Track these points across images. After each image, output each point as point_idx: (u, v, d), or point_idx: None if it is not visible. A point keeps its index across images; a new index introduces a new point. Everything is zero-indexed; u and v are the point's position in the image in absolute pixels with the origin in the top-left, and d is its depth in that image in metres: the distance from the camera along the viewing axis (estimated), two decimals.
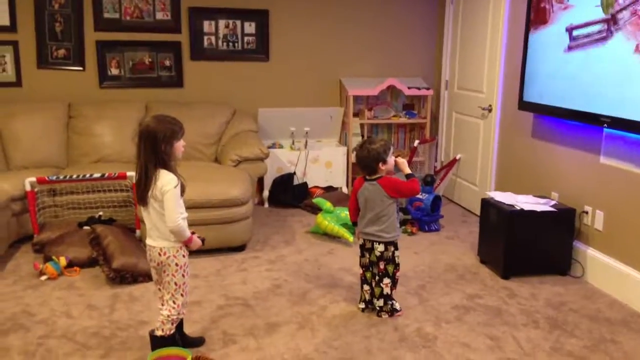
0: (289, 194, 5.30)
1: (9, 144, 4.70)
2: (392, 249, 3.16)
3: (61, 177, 4.21)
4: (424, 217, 4.65)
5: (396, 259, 3.18)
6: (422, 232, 4.65)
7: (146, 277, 3.61)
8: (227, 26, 5.40)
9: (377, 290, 3.20)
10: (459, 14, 5.39)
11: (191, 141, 4.96)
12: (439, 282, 3.69)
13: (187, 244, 2.64)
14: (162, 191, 2.51)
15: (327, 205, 4.54)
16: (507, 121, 4.63)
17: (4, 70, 5.02)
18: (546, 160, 4.12)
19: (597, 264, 3.61)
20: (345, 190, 5.52)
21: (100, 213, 4.24)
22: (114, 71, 5.26)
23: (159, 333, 2.66)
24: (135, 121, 4.95)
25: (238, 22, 5.41)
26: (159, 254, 2.61)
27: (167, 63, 5.34)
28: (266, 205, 5.34)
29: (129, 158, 4.84)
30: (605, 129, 3.46)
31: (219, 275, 3.75)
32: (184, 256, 2.66)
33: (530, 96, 4.06)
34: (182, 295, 2.68)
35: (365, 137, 5.54)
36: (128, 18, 5.19)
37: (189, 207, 3.82)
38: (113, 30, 5.17)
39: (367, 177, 3.14)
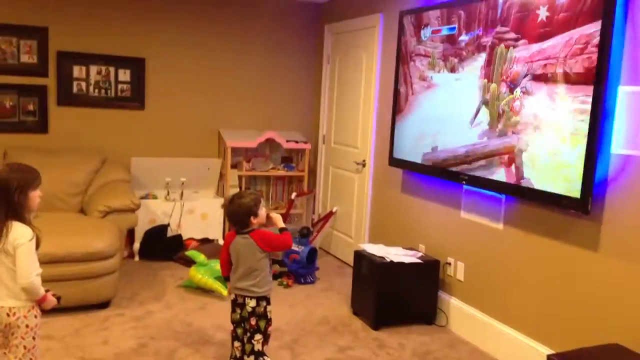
0: (162, 246, 5.09)
1: None
2: (264, 303, 3.10)
3: None
4: (300, 270, 4.66)
5: (268, 314, 3.12)
6: (298, 284, 4.63)
7: None
8: (99, 72, 5.22)
9: (247, 347, 3.10)
10: (335, 71, 5.61)
11: (54, 190, 4.68)
12: (312, 336, 3.66)
13: (40, 303, 2.43)
14: (15, 245, 2.31)
15: (201, 257, 4.41)
16: (380, 176, 4.82)
17: None
18: (414, 214, 4.32)
19: (460, 313, 3.79)
20: (221, 242, 5.41)
21: None
22: None
23: None
24: None
25: (112, 69, 5.25)
26: (7, 315, 2.37)
27: (31, 107, 5.03)
28: (136, 258, 5.08)
29: None
30: (464, 186, 3.70)
31: (77, 336, 3.47)
32: (35, 316, 2.43)
33: (400, 153, 4.27)
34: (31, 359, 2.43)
35: (243, 189, 5.51)
36: None
37: (46, 262, 3.61)
38: None
39: (239, 231, 3.09)
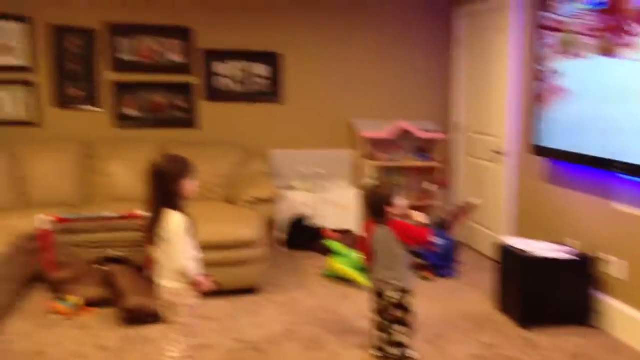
0: (303, 236, 5.27)
1: (29, 183, 4.72)
2: (405, 295, 3.10)
3: (77, 216, 4.21)
4: (439, 263, 4.59)
5: (409, 305, 3.12)
6: (438, 277, 4.57)
7: (159, 317, 3.56)
8: (240, 68, 5.47)
9: (389, 338, 3.12)
10: (467, 56, 5.44)
11: (203, 181, 4.89)
12: (455, 331, 3.60)
13: (197, 285, 2.61)
14: (170, 231, 2.50)
15: (340, 248, 4.50)
16: (523, 165, 4.61)
17: (25, 110, 5.08)
18: (560, 205, 4.08)
19: (621, 315, 3.52)
20: (358, 232, 5.47)
21: (118, 253, 4.21)
22: (131, 112, 5.31)
23: None
24: (146, 162, 4.98)
25: (251, 65, 5.48)
26: (169, 294, 2.58)
27: (181, 104, 5.40)
28: (279, 247, 5.29)
29: (143, 197, 4.83)
30: (620, 175, 3.42)
31: (232, 318, 3.69)
32: (193, 297, 2.62)
33: (545, 141, 4.05)
34: (187, 336, 2.63)
35: (377, 180, 5.53)
36: (143, 60, 5.27)
37: (202, 248, 3.88)
38: (129, 71, 5.25)
39: (376, 220, 3.11)
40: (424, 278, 4.50)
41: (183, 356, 2.63)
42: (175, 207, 2.54)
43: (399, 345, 3.11)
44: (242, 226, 4.09)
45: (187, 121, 5.42)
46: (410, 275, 3.13)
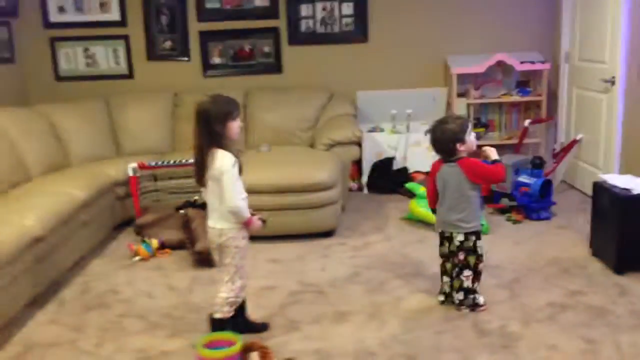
0: (388, 179, 5.09)
1: (120, 133, 4.98)
2: (473, 238, 2.86)
3: (159, 162, 4.38)
4: (531, 204, 4.20)
5: (478, 249, 2.88)
6: (529, 220, 4.20)
7: None
8: (324, 9, 5.28)
9: (456, 283, 2.92)
10: None
11: (288, 126, 4.97)
12: (537, 276, 3.29)
13: (247, 225, 2.58)
14: (220, 171, 2.47)
15: (421, 190, 4.27)
16: (635, 95, 4.03)
17: (117, 63, 5.34)
18: None
19: None
20: None
21: (196, 197, 4.34)
22: (217, 60, 5.37)
23: (217, 315, 2.63)
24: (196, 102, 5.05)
25: (335, 4, 5.27)
26: (219, 236, 2.57)
27: (266, 49, 5.35)
28: (365, 191, 5.16)
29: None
30: None
31: (299, 261, 3.67)
32: (243, 238, 2.60)
33: None
34: (240, 278, 2.63)
35: (472, 118, 5.15)
36: (228, 7, 5.27)
37: (272, 192, 3.88)
38: (215, 20, 5.28)
39: (445, 159, 2.87)
40: (513, 221, 4.15)
41: (235, 298, 2.63)
42: (221, 147, 2.50)
43: (466, 290, 2.90)
44: (315, 169, 4.01)
45: (272, 66, 5.38)
46: (478, 217, 2.87)
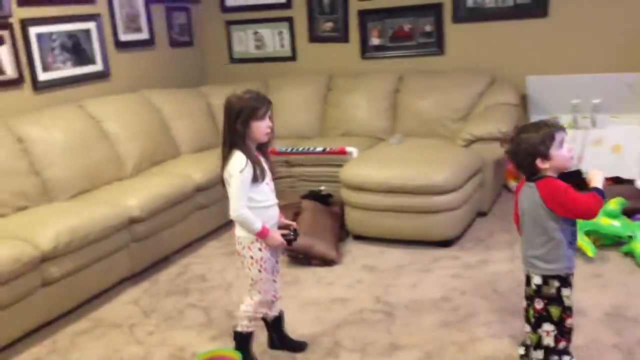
0: None
1: (274, 114, 5.03)
2: (556, 284, 2.20)
3: (290, 149, 4.33)
4: None
5: (565, 299, 2.20)
6: None
7: (321, 261, 3.44)
8: None
9: (534, 337, 2.28)
10: None
11: (437, 115, 4.50)
12: None
13: (260, 237, 2.35)
14: (229, 174, 2.29)
15: None
16: None
17: (282, 45, 5.40)
18: None
19: None
20: (639, 183, 4.12)
21: (322, 187, 4.20)
22: (375, 41, 5.07)
23: (237, 329, 2.48)
24: (387, 94, 4.73)
25: None
26: (236, 243, 2.42)
27: (427, 28, 4.86)
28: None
29: (373, 132, 4.66)
30: None
31: (394, 272, 3.29)
32: (260, 250, 2.38)
33: None
34: (259, 292, 2.42)
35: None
36: None
37: (383, 191, 3.52)
38: None
39: (528, 178, 2.24)
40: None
41: (254, 313, 2.44)
42: (241, 148, 2.31)
43: (546, 349, 2.26)
44: (438, 169, 3.52)
45: (432, 47, 4.88)
46: (565, 258, 2.19)
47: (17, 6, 3.78)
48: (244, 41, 5.54)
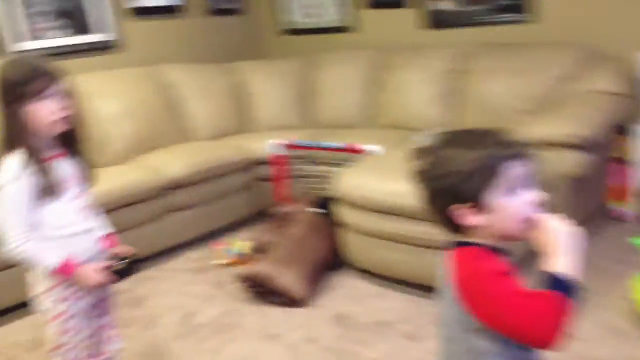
0: None
1: (314, 98, 4.16)
2: None
3: (309, 143, 3.45)
4: None
5: None
6: None
7: (283, 297, 2.56)
8: None
9: None
10: None
11: (506, 104, 3.30)
12: None
13: (62, 275, 1.56)
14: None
15: None
16: None
17: (339, 13, 4.44)
18: None
19: None
20: None
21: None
22: (446, 5, 3.92)
23: None
24: (446, 74, 3.62)
25: None
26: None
27: None
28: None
29: (424, 123, 3.58)
30: None
31: (371, 333, 2.32)
32: (59, 301, 1.59)
33: None
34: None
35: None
36: None
37: (385, 212, 2.52)
38: None
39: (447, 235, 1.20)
40: None
41: None
42: (17, 144, 1.52)
43: None
44: None
45: (518, 11, 3.62)
46: None
47: None
48: (297, 10, 4.67)
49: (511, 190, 1.07)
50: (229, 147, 3.61)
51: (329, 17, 4.47)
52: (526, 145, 1.14)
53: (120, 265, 1.62)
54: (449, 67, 3.64)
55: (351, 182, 2.72)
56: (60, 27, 3.65)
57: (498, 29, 3.69)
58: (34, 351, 2.30)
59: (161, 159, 3.33)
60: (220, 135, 3.91)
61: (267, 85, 4.21)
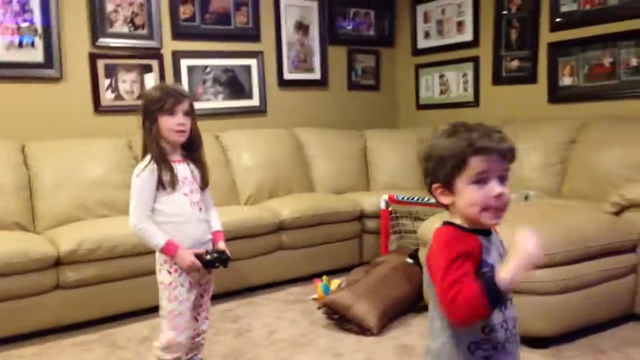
0: None
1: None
2: None
3: (408, 197, 3.67)
4: None
5: None
6: None
7: (357, 327, 2.74)
8: None
9: None
10: None
11: (613, 174, 3.25)
12: None
13: (165, 255, 1.98)
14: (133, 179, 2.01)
15: None
16: None
17: (465, 89, 4.71)
18: None
19: None
20: None
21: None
22: (567, 80, 4.00)
23: None
24: (560, 145, 3.68)
25: None
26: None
27: (635, 62, 3.61)
28: None
29: (536, 188, 3.62)
30: None
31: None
32: (169, 272, 1.99)
33: None
34: (170, 328, 2.01)
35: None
36: (587, 7, 3.84)
37: None
38: (568, 27, 3.94)
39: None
40: None
41: (164, 356, 2.03)
42: (150, 148, 2.01)
43: None
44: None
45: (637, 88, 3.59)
46: (448, 347, 1.28)
47: (171, 39, 4.13)
48: (430, 85, 5.02)
49: (479, 180, 1.24)
50: (342, 200, 3.95)
51: (460, 92, 4.74)
52: (511, 146, 1.29)
53: (209, 256, 1.98)
54: (562, 138, 3.68)
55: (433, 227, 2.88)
56: (222, 93, 4.38)
57: (622, 103, 3.68)
58: (142, 345, 2.72)
59: (281, 203, 3.76)
60: (339, 190, 4.26)
61: (389, 150, 4.53)
